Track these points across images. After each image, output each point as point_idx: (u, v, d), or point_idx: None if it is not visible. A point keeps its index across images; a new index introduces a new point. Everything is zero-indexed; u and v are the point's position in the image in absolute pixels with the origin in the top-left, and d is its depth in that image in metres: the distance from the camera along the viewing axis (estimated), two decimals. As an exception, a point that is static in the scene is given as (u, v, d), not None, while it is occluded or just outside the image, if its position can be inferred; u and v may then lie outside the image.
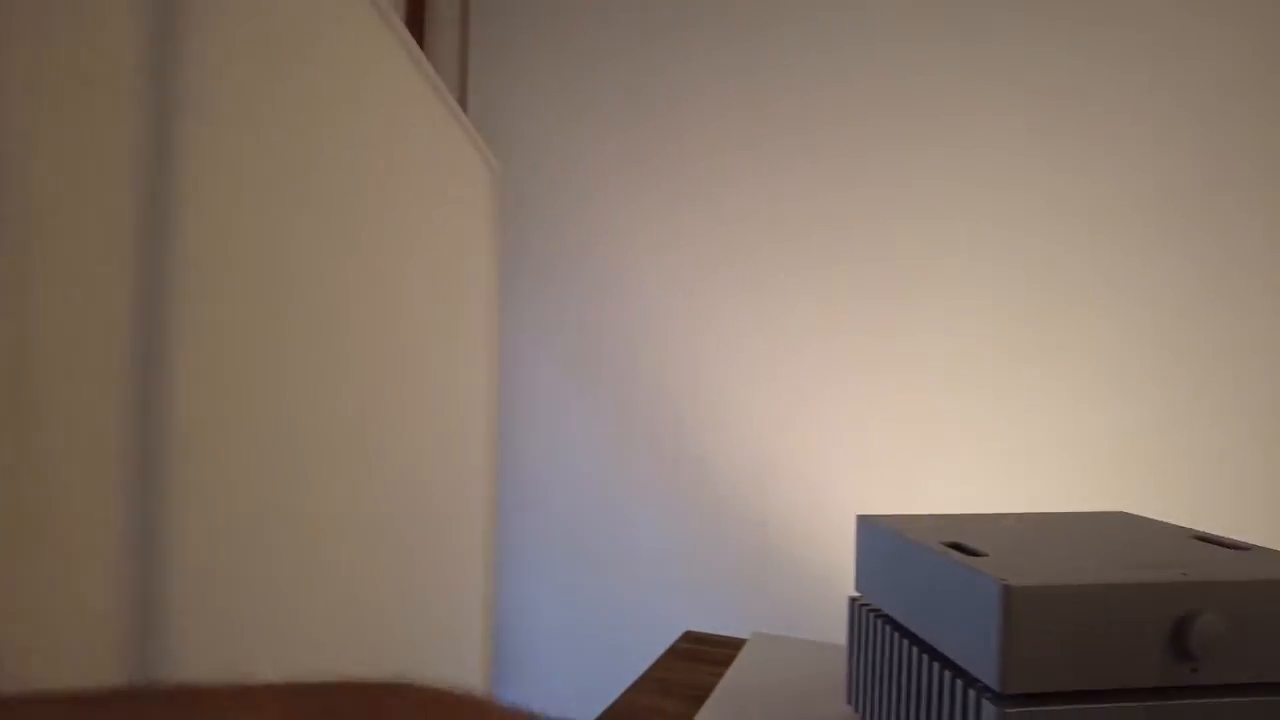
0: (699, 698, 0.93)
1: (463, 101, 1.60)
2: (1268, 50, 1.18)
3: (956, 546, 0.70)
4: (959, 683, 0.64)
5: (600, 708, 0.92)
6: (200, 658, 0.57)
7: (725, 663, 1.04)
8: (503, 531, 1.45)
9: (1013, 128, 1.27)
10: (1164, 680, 0.61)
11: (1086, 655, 0.60)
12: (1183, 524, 0.83)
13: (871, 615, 0.81)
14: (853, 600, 0.86)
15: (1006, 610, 0.59)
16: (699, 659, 1.08)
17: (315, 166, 0.76)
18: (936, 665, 0.67)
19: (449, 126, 1.12)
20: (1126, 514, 0.91)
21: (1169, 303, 1.23)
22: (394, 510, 0.93)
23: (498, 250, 1.22)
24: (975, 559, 0.66)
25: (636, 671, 1.03)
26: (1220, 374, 1.19)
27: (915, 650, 0.71)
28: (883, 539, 0.80)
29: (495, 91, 1.55)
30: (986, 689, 0.62)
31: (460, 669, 1.08)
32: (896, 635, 0.75)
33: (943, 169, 1.29)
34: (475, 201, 1.23)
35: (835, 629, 1.16)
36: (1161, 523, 0.85)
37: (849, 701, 0.87)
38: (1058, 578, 0.60)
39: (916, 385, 1.30)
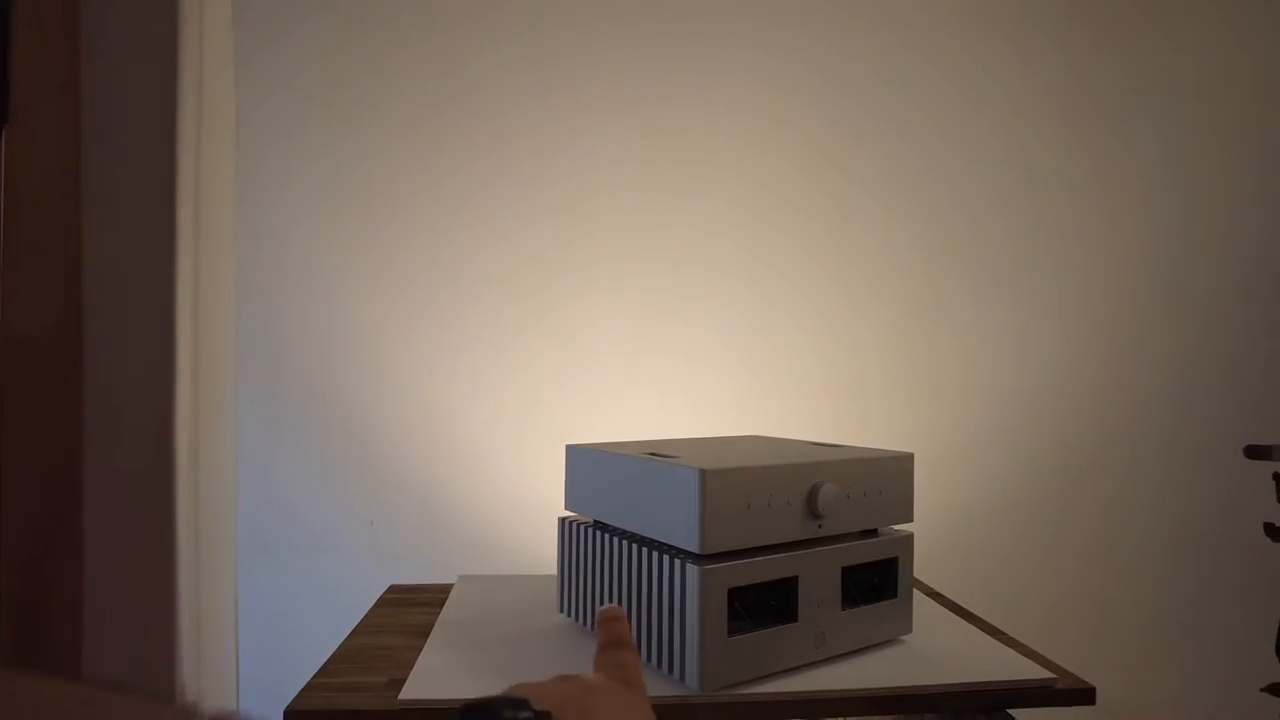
0: (422, 632, 0.99)
1: None
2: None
3: (654, 454, 0.87)
4: (665, 556, 0.80)
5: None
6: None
7: (436, 605, 1.10)
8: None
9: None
10: (802, 534, 0.84)
11: (753, 520, 0.80)
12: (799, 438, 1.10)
13: (581, 526, 0.95)
14: (563, 520, 1.00)
15: (703, 489, 0.76)
16: (409, 604, 1.13)
17: None
18: (644, 549, 0.83)
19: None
20: (762, 436, 1.17)
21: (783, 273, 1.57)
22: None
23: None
24: (672, 459, 0.83)
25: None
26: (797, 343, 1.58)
27: (624, 543, 0.87)
28: (591, 459, 0.95)
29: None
30: (689, 554, 0.79)
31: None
32: (605, 536, 0.90)
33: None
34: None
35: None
36: (783, 438, 1.11)
37: (561, 609, 1.00)
38: (734, 464, 0.80)
39: (596, 344, 1.49)
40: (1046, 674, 0.84)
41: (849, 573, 0.88)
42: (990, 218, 1.63)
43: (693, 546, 0.77)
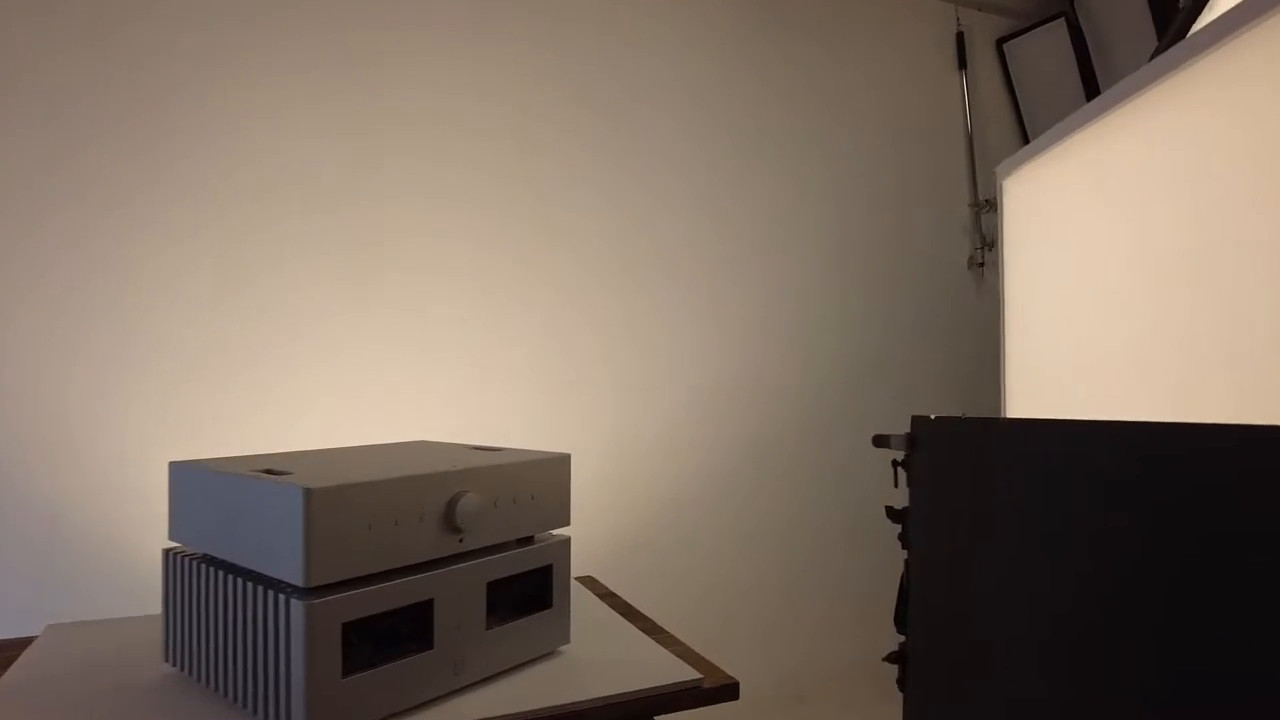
0: (-31, 706, 0.78)
1: None
2: None
3: (269, 472, 0.74)
4: (269, 592, 0.68)
5: None
6: None
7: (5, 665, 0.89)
8: None
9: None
10: (439, 551, 0.76)
11: (378, 541, 0.70)
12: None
13: (187, 560, 0.80)
14: (167, 552, 0.83)
15: (308, 511, 0.65)
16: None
17: None
18: (249, 584, 0.71)
19: None
20: (425, 441, 1.08)
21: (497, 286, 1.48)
22: None
23: None
24: (280, 476, 0.71)
25: None
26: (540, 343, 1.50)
27: (230, 578, 0.73)
28: (195, 478, 0.80)
29: None
30: (293, 588, 0.67)
31: None
32: (211, 570, 0.76)
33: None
34: None
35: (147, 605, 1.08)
36: (451, 443, 1.03)
37: (167, 658, 0.84)
38: (350, 479, 0.69)
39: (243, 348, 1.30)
40: (694, 674, 0.84)
41: (498, 588, 0.81)
42: (688, 223, 1.67)
43: (296, 579, 0.66)
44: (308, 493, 0.65)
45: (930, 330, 1.95)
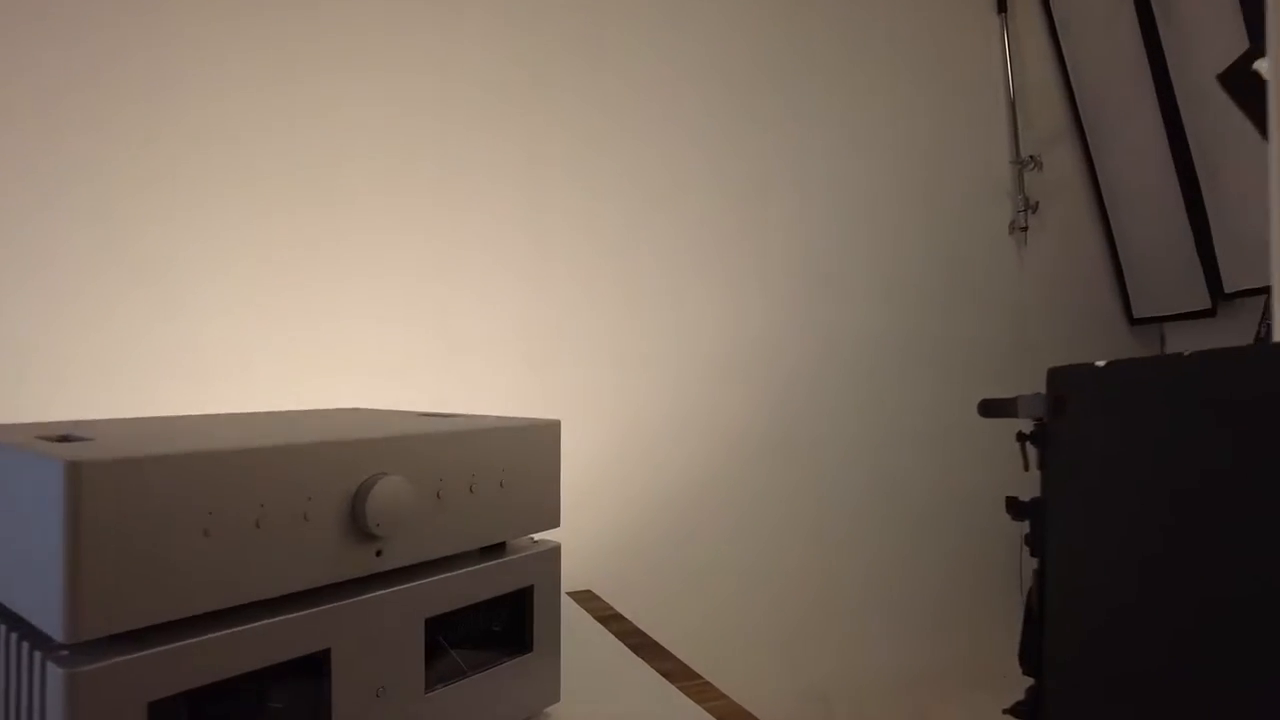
0: None
1: None
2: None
3: (61, 439, 0.44)
4: (25, 645, 0.39)
5: None
6: None
7: None
8: None
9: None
10: (339, 573, 0.46)
11: (223, 557, 0.40)
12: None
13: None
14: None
15: (72, 500, 0.35)
16: None
17: None
18: (10, 633, 0.41)
19: None
20: (358, 408, 0.78)
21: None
22: None
23: None
24: (57, 444, 0.41)
25: None
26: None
27: (-20, 617, 0.43)
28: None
29: None
30: (51, 644, 0.38)
31: None
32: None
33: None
34: None
35: None
36: (393, 410, 0.73)
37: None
38: (174, 448, 0.40)
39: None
40: (750, 757, 0.54)
41: (447, 626, 0.52)
42: (693, 184, 1.38)
43: (54, 625, 0.36)
44: (73, 468, 0.35)
45: (966, 303, 1.66)
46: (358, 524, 0.46)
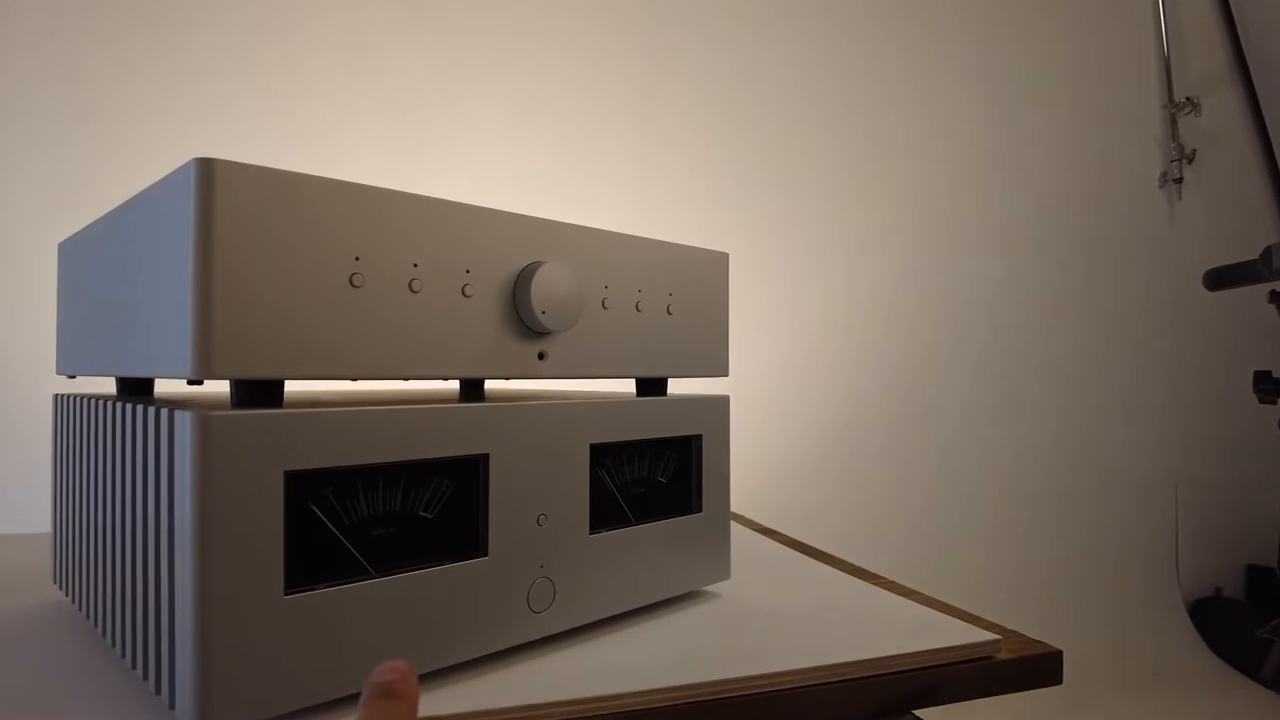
0: None
1: None
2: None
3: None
4: (153, 412, 0.33)
5: None
6: None
7: None
8: None
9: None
10: (504, 368, 0.39)
11: (369, 321, 0.34)
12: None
13: (89, 403, 0.45)
14: (60, 398, 0.49)
15: (205, 213, 0.29)
16: None
17: None
18: (139, 409, 0.36)
19: None
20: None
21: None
22: None
23: None
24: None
25: None
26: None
27: (122, 409, 0.38)
28: (81, 246, 0.46)
29: None
30: (180, 405, 0.32)
31: None
32: (105, 408, 0.41)
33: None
34: None
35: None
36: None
37: (55, 580, 0.50)
38: (324, 190, 0.33)
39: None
40: (983, 634, 0.44)
41: (604, 458, 0.44)
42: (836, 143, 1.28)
43: (183, 365, 0.30)
44: (205, 165, 0.29)
45: (1107, 263, 1.49)
46: (520, 313, 0.39)
